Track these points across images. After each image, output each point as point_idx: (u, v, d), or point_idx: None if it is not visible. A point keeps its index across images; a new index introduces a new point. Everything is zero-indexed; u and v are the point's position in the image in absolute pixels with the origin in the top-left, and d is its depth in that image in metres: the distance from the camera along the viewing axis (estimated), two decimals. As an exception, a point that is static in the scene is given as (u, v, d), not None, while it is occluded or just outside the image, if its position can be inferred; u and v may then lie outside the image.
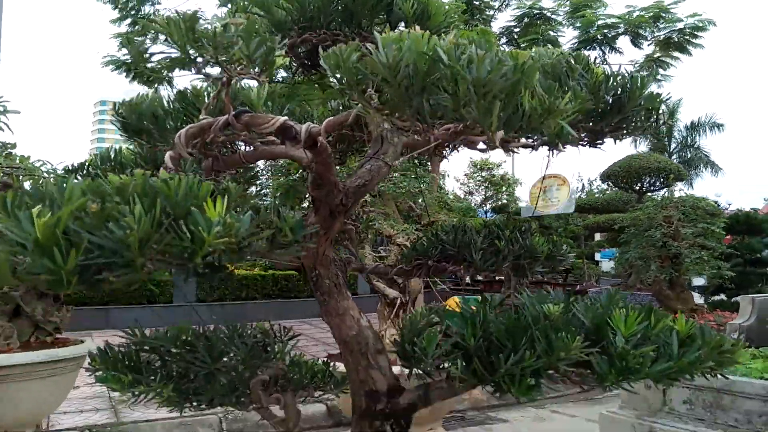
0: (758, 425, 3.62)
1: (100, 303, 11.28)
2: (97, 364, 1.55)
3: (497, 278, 13.29)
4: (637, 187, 12.51)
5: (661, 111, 1.61)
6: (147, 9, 10.65)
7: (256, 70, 1.31)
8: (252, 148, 1.75)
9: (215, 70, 1.34)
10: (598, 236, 17.10)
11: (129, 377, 1.44)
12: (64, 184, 1.05)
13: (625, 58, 14.15)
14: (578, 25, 8.94)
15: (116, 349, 1.59)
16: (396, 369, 1.85)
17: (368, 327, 1.86)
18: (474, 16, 9.12)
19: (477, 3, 9.38)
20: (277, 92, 1.64)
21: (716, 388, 3.83)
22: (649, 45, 9.32)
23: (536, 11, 9.35)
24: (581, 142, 1.90)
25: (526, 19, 9.53)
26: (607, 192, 16.29)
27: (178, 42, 1.13)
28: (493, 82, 1.02)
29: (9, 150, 4.64)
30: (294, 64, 1.96)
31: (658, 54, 9.06)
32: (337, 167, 2.14)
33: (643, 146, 24.22)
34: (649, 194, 12.20)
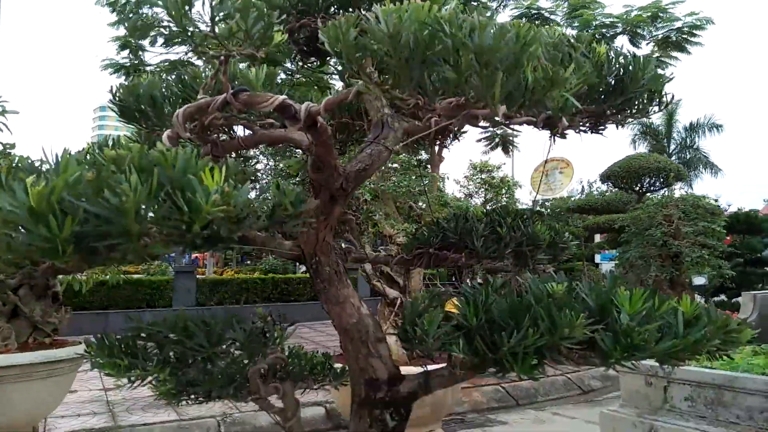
0: (760, 422, 3.59)
1: (99, 307, 11.26)
2: (93, 350, 1.53)
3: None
4: (637, 188, 12.50)
5: (664, 93, 1.59)
6: (145, 12, 10.67)
7: (254, 48, 1.29)
8: (251, 133, 1.73)
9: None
10: (597, 237, 17.08)
11: (125, 362, 1.42)
12: (59, 158, 1.04)
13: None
14: (576, 24, 8.96)
15: (113, 336, 1.57)
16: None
17: (369, 315, 1.84)
18: (471, 15, 9.10)
19: (475, 3, 9.39)
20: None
21: (718, 384, 3.81)
22: (647, 44, 9.34)
23: (534, 11, 9.37)
24: (582, 128, 1.89)
25: (524, 19, 9.52)
26: (607, 194, 16.28)
27: (175, 15, 1.11)
28: (495, 51, 1.00)
29: (8, 150, 4.63)
30: (293, 49, 1.95)
31: (656, 53, 9.07)
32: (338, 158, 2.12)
33: (642, 147, 24.25)
34: (649, 194, 12.19)
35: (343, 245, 2.05)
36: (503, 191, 15.11)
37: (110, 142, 1.90)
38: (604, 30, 8.72)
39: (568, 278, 1.46)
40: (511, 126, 1.20)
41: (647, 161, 12.00)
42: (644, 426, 4.09)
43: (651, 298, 1.29)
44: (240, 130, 1.85)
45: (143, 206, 0.90)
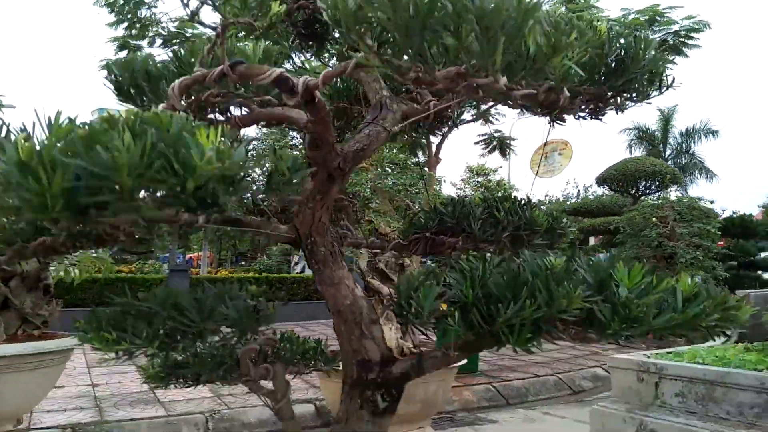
0: (750, 417, 3.59)
1: (91, 304, 11.18)
2: (81, 325, 1.51)
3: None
4: (633, 191, 12.54)
5: (664, 75, 1.59)
6: (143, 13, 10.65)
7: (252, 17, 1.27)
8: (247, 112, 1.72)
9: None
10: (592, 240, 17.12)
11: (113, 335, 1.39)
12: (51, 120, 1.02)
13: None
14: (574, 27, 8.94)
15: (102, 311, 1.55)
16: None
17: (363, 297, 1.82)
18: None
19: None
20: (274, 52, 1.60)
21: (710, 380, 3.81)
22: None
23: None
24: (582, 113, 1.88)
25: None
26: (603, 198, 16.33)
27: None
28: (497, 15, 0.99)
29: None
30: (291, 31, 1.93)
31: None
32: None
33: (638, 152, 24.36)
34: (644, 198, 12.24)
35: (339, 231, 2.03)
36: (500, 194, 15.16)
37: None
38: (601, 32, 8.71)
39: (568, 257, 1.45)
40: (513, 97, 1.19)
41: (643, 164, 12.04)
42: (634, 422, 4.08)
43: (650, 274, 1.28)
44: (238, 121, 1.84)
45: (136, 163, 0.88)
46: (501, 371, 7.18)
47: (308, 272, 15.92)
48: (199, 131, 0.92)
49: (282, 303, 1.70)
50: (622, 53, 1.51)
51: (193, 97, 1.57)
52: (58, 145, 0.94)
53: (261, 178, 1.30)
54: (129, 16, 10.34)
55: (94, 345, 1.40)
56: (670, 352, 4.56)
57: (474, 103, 3.61)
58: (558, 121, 1.86)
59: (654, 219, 7.37)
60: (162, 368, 2.01)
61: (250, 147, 1.11)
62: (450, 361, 1.67)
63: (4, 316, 4.12)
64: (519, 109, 2.13)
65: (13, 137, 1.08)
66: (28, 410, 4.43)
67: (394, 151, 7.22)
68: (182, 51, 1.59)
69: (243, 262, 25.01)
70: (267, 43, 1.53)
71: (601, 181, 12.90)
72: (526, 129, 37.16)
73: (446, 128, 2.31)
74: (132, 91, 1.66)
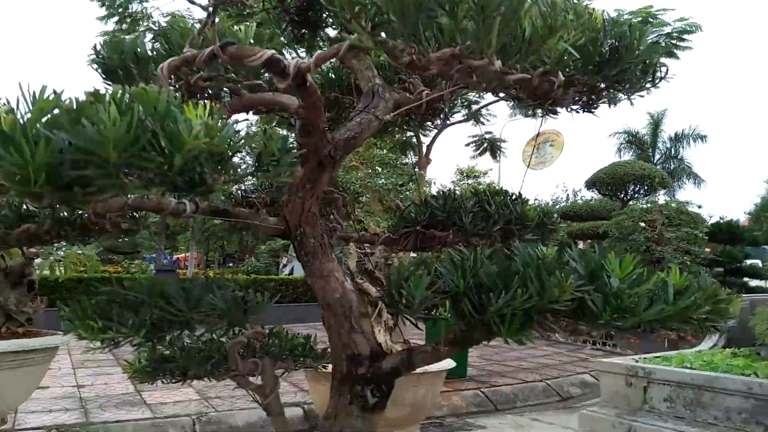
0: (737, 422, 3.61)
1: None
2: (66, 314, 1.47)
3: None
4: (622, 195, 12.62)
5: (658, 67, 1.58)
6: (134, 7, 10.59)
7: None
8: (237, 98, 1.69)
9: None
10: (580, 245, 17.19)
11: (99, 324, 1.36)
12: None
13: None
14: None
15: (87, 299, 1.51)
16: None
17: (352, 290, 1.80)
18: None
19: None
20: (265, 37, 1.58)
21: (698, 385, 3.82)
22: (636, 52, 9.35)
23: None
24: (575, 106, 1.87)
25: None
26: (591, 202, 16.41)
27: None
28: (493, -6, 0.97)
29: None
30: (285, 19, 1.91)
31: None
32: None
33: (628, 156, 24.52)
34: (633, 201, 12.32)
35: (328, 225, 2.01)
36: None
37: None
38: (592, 36, 8.73)
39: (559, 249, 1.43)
40: (507, 82, 1.17)
41: (632, 168, 12.13)
42: (623, 426, 4.09)
43: (641, 266, 1.27)
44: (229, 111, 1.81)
45: (122, 136, 0.86)
46: (490, 377, 7.17)
47: (297, 274, 15.83)
48: (187, 107, 0.90)
49: (270, 296, 1.67)
50: (617, 42, 1.51)
51: (182, 81, 1.54)
52: (43, 120, 0.92)
53: (251, 162, 1.28)
54: (120, 10, 10.28)
55: (79, 333, 1.36)
56: (659, 357, 4.58)
57: (466, 103, 3.60)
58: (551, 114, 1.85)
59: (642, 223, 7.41)
60: (149, 362, 1.97)
61: (240, 128, 1.09)
62: (440, 357, 1.65)
63: (-13, 313, 4.04)
64: (512, 102, 2.12)
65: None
66: (11, 410, 4.34)
67: (385, 151, 7.22)
68: (171, 31, 1.55)
69: (231, 264, 24.82)
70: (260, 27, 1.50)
71: (591, 184, 12.97)
72: (517, 132, 37.28)
73: (438, 121, 2.29)
74: (120, 73, 1.62)
